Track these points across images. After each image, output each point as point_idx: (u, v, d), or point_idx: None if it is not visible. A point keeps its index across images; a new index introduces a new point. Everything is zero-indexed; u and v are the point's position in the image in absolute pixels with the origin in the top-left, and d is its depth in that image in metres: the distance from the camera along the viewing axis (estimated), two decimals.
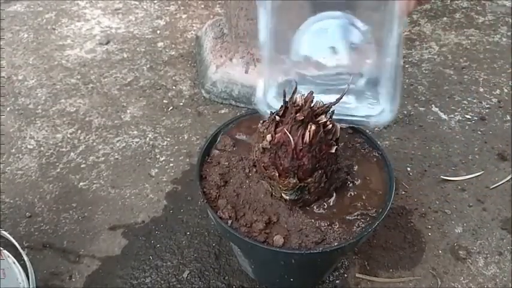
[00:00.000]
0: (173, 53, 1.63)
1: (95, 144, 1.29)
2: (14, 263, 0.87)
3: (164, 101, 1.43)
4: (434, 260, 1.02)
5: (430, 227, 1.08)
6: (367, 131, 0.93)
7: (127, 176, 1.20)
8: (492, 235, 1.06)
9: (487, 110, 1.39)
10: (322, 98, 0.67)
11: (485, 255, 1.03)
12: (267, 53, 0.73)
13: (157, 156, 1.25)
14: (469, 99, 1.44)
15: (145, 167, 1.23)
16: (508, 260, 1.02)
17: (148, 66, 1.57)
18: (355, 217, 0.78)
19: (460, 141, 1.29)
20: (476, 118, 1.37)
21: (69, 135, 1.31)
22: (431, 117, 1.37)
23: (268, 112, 0.71)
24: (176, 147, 1.28)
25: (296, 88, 0.75)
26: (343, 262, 1.00)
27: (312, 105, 0.74)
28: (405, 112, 1.38)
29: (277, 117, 0.75)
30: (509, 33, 1.72)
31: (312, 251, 0.73)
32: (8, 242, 0.95)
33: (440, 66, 1.57)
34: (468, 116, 1.37)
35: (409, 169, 1.21)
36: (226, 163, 0.86)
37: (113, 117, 1.38)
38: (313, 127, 0.72)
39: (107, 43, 1.67)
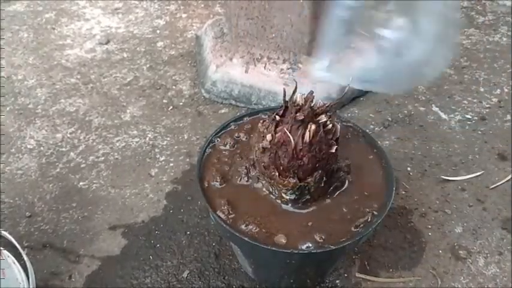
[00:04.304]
0: (173, 52, 1.63)
1: (94, 144, 1.29)
2: (14, 262, 0.87)
3: (164, 100, 1.43)
4: (434, 259, 1.02)
5: (430, 226, 1.08)
6: (368, 131, 0.93)
7: (127, 175, 1.20)
8: (492, 235, 1.06)
9: (487, 110, 1.39)
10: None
11: (486, 255, 1.03)
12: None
13: (157, 156, 1.25)
14: (469, 99, 1.43)
15: (145, 166, 1.23)
16: (508, 260, 1.02)
17: (148, 66, 1.57)
18: (355, 217, 0.78)
19: (460, 141, 1.29)
20: (476, 118, 1.36)
21: (69, 135, 1.31)
22: (432, 117, 1.37)
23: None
24: (176, 147, 1.28)
25: (296, 88, 0.75)
26: (343, 262, 1.00)
27: (312, 104, 0.74)
28: (405, 112, 1.38)
29: (277, 117, 0.75)
30: (509, 33, 1.72)
31: (312, 251, 0.73)
32: (8, 242, 0.95)
33: None
34: (468, 116, 1.37)
35: (409, 169, 1.21)
36: (227, 163, 0.86)
37: (112, 117, 1.38)
38: (313, 127, 0.72)
39: (107, 43, 1.67)
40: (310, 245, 0.74)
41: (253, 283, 0.97)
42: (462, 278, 0.99)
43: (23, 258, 0.90)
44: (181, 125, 1.35)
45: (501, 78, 1.51)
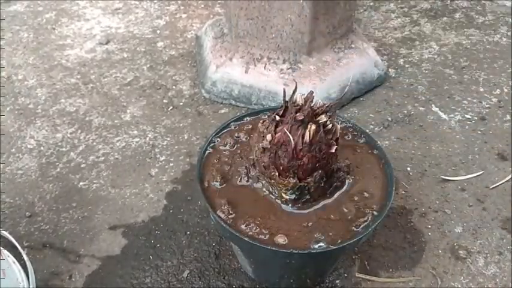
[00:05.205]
0: (173, 52, 1.63)
1: (94, 144, 1.29)
2: (14, 262, 0.87)
3: (164, 100, 1.43)
4: (434, 259, 1.02)
5: (430, 226, 1.08)
6: (368, 131, 0.93)
7: (127, 175, 1.20)
8: (492, 235, 1.06)
9: (487, 110, 1.39)
10: None
11: (485, 255, 1.03)
12: None
13: (157, 156, 1.25)
14: (469, 99, 1.44)
15: (145, 166, 1.23)
16: (508, 260, 1.02)
17: (148, 66, 1.57)
18: (355, 216, 0.78)
19: (460, 141, 1.29)
20: (476, 118, 1.37)
21: (69, 135, 1.31)
22: (431, 117, 1.37)
23: None
24: (176, 147, 1.28)
25: (296, 88, 0.75)
26: (343, 262, 1.00)
27: (311, 105, 0.74)
28: (405, 112, 1.38)
29: (277, 117, 0.75)
30: (509, 33, 1.72)
31: (312, 251, 0.73)
32: (8, 241, 0.95)
33: (441, 66, 1.57)
34: (468, 116, 1.37)
35: (409, 169, 1.21)
36: (227, 163, 0.86)
37: (112, 117, 1.38)
38: (313, 127, 0.72)
39: (107, 43, 1.67)
40: (310, 245, 0.74)
41: (253, 283, 0.97)
42: (462, 278, 0.99)
43: (23, 258, 0.90)
44: (181, 125, 1.35)
45: (501, 78, 1.51)
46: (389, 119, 1.36)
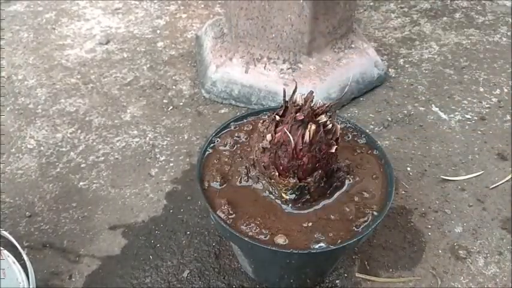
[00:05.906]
0: (173, 52, 1.63)
1: (94, 144, 1.29)
2: (14, 262, 0.87)
3: (164, 100, 1.43)
4: (434, 259, 1.02)
5: (430, 226, 1.08)
6: (368, 131, 0.93)
7: (127, 175, 1.20)
8: (492, 235, 1.06)
9: (487, 110, 1.39)
10: None
11: (485, 255, 1.03)
12: None
13: (157, 156, 1.25)
14: (469, 99, 1.44)
15: (145, 166, 1.23)
16: (508, 260, 1.02)
17: (148, 66, 1.57)
18: (355, 217, 0.78)
19: (460, 141, 1.29)
20: (476, 118, 1.37)
21: (69, 135, 1.31)
22: (431, 117, 1.37)
23: None
24: (176, 147, 1.28)
25: (296, 88, 0.75)
26: (343, 262, 1.00)
27: (311, 104, 0.74)
28: (405, 112, 1.38)
29: (277, 117, 0.75)
30: (509, 33, 1.72)
31: (312, 251, 0.73)
32: (8, 241, 0.95)
33: (441, 66, 1.57)
34: (468, 116, 1.37)
35: (409, 169, 1.21)
36: (227, 163, 0.86)
37: (112, 116, 1.38)
38: (313, 127, 0.72)
39: (107, 43, 1.67)
40: (310, 245, 0.74)
41: (253, 283, 0.97)
42: (462, 278, 0.99)
43: (23, 258, 0.90)
44: (181, 125, 1.35)
45: (501, 78, 1.51)
46: (389, 119, 1.36)
